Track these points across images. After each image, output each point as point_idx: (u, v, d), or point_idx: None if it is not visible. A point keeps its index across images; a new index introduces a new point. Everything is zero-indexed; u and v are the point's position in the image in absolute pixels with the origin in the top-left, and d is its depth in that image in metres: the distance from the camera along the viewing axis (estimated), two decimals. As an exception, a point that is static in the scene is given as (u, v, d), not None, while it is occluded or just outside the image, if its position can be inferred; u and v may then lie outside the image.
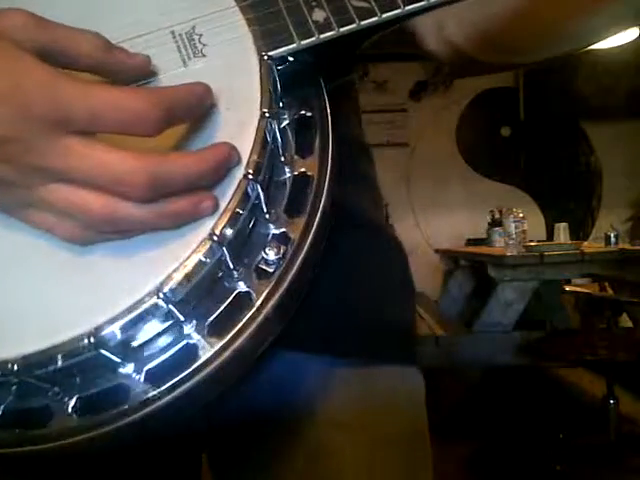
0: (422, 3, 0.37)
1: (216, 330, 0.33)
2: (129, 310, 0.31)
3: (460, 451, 2.44)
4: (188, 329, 0.33)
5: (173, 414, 0.34)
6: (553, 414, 2.61)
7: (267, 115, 0.34)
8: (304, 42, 0.36)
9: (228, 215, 0.32)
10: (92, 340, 0.30)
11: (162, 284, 0.31)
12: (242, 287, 0.34)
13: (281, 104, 0.37)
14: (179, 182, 0.31)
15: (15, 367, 0.30)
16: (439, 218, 4.83)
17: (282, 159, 0.36)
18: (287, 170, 0.36)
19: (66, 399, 0.33)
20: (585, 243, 3.40)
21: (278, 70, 0.36)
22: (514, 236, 2.94)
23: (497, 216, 3.69)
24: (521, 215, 3.00)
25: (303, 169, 0.36)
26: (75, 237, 0.32)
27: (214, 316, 0.33)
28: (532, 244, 3.02)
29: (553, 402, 2.81)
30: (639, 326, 2.81)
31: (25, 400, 0.33)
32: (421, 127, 4.90)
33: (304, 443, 0.47)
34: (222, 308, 0.34)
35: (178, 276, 0.31)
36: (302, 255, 0.35)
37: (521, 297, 2.81)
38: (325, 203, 0.36)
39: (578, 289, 2.79)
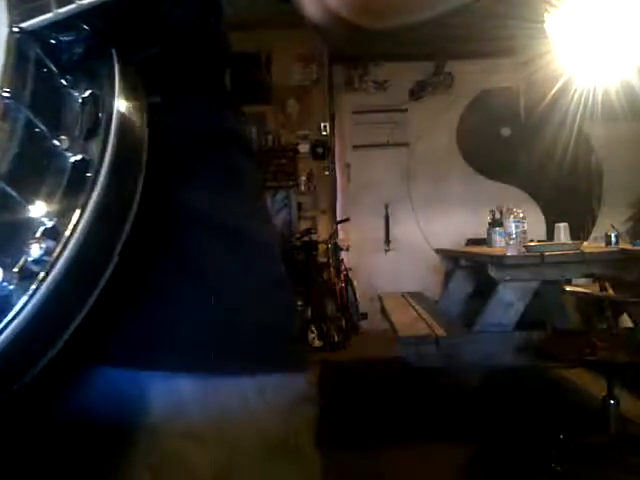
0: None
1: None
2: None
3: (460, 451, 2.44)
4: None
5: None
6: (553, 414, 2.61)
7: (5, 95, 0.30)
8: (61, 10, 0.32)
9: None
10: None
11: None
12: (2, 290, 0.31)
13: (64, 82, 0.34)
14: None
15: None
16: (439, 218, 4.83)
17: (57, 143, 0.33)
18: (67, 156, 0.33)
19: None
20: (585, 243, 3.40)
21: (58, 42, 0.33)
22: (514, 236, 2.94)
23: (497, 216, 3.69)
24: (521, 215, 3.00)
25: (83, 153, 0.33)
26: None
27: None
28: (532, 244, 3.02)
29: (553, 402, 2.81)
30: (639, 326, 2.81)
31: None
32: (421, 127, 4.90)
33: (146, 455, 0.44)
34: None
35: None
36: (72, 248, 0.31)
37: (521, 297, 2.81)
38: (107, 188, 0.33)
39: (578, 289, 2.79)
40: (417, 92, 4.89)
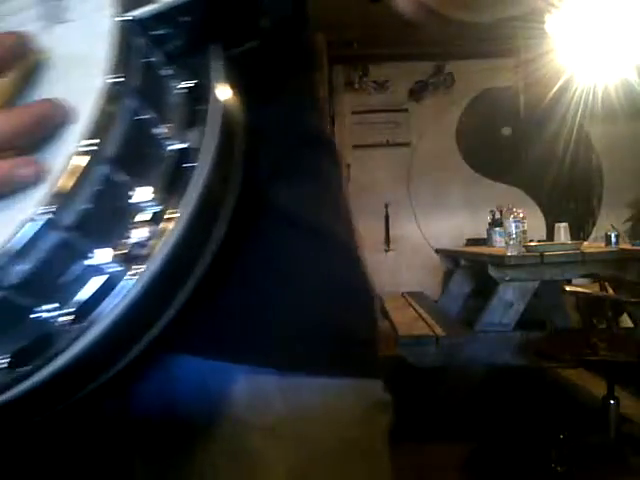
0: None
1: (80, 314, 0.31)
2: None
3: (460, 451, 2.44)
4: (49, 314, 0.31)
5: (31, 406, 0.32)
6: (553, 414, 2.61)
7: (117, 82, 0.31)
8: (168, 0, 0.32)
9: (63, 191, 0.29)
10: None
11: None
12: (107, 270, 0.31)
13: (166, 72, 0.34)
14: None
15: None
16: (439, 218, 4.83)
17: (160, 131, 0.33)
18: (170, 144, 0.33)
19: None
20: (585, 243, 3.40)
21: (160, 33, 0.34)
22: (514, 236, 2.94)
23: (497, 216, 3.69)
24: (521, 215, 3.00)
25: (187, 142, 0.33)
26: None
27: (78, 301, 0.31)
28: (532, 244, 3.02)
29: (553, 402, 2.81)
30: (639, 326, 2.81)
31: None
32: (421, 127, 4.90)
33: (225, 449, 0.45)
34: (88, 293, 0.31)
35: (10, 252, 0.28)
36: (177, 233, 0.32)
37: (521, 297, 2.81)
38: (209, 178, 0.33)
39: (578, 289, 2.79)
40: (417, 92, 4.89)
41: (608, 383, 2.30)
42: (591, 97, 3.75)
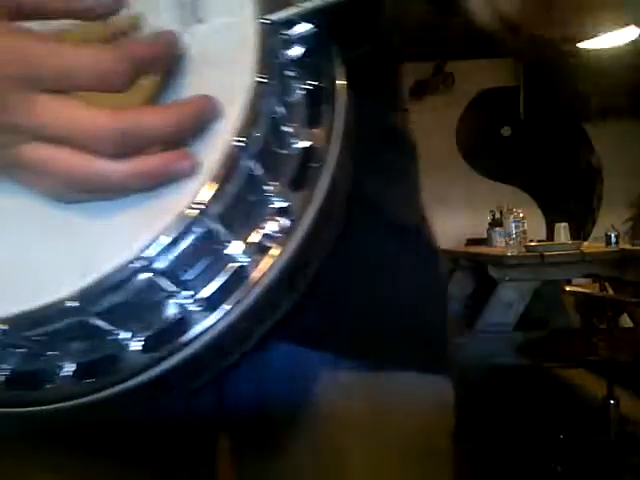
0: None
1: (212, 303, 0.33)
2: (110, 275, 0.30)
3: (460, 451, 2.44)
4: (182, 300, 0.33)
5: (166, 386, 0.35)
6: (553, 414, 2.60)
7: (261, 81, 0.32)
8: (305, 4, 0.35)
9: (214, 183, 0.31)
10: (77, 304, 0.30)
11: (144, 249, 0.30)
12: (241, 260, 0.33)
13: (290, 72, 0.36)
14: (152, 136, 0.31)
15: (3, 327, 0.31)
16: (439, 218, 4.79)
17: (286, 130, 0.35)
18: (293, 142, 0.35)
19: (61, 364, 0.33)
20: (585, 243, 3.40)
21: (285, 37, 0.36)
22: (514, 236, 2.94)
23: (497, 216, 3.69)
24: (521, 215, 3.00)
25: (310, 141, 0.35)
26: (56, 194, 0.32)
27: (211, 288, 0.33)
28: (532, 244, 3.02)
29: (553, 402, 2.80)
30: (639, 326, 2.81)
31: (26, 363, 0.34)
32: (421, 127, 4.88)
33: (309, 439, 0.47)
34: (220, 281, 0.33)
35: (160, 243, 0.30)
36: (304, 228, 0.33)
37: (521, 297, 2.81)
38: (333, 177, 0.35)
39: (578, 289, 2.79)
40: (417, 92, 4.89)
41: (608, 383, 2.30)
42: (591, 96, 3.75)
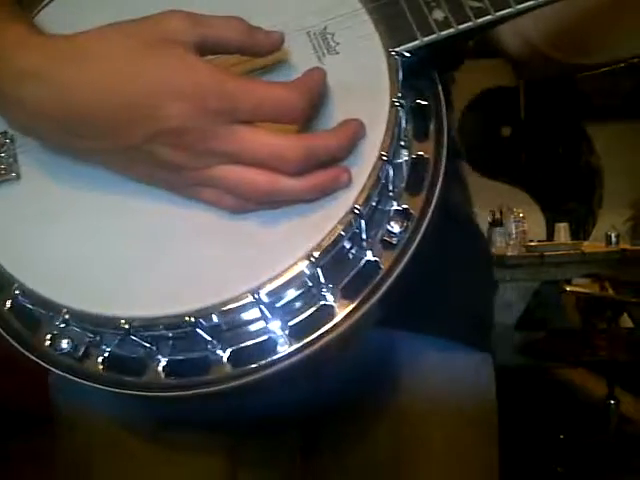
0: (532, 2, 0.41)
1: (347, 294, 0.38)
2: (284, 272, 0.36)
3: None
4: (325, 292, 0.38)
5: (304, 371, 0.41)
6: (553, 414, 2.60)
7: (396, 104, 0.38)
8: (426, 39, 0.40)
9: (366, 192, 0.37)
10: (255, 297, 0.36)
11: (312, 251, 0.36)
12: (370, 256, 0.39)
13: (400, 94, 0.41)
14: (325, 156, 0.37)
15: (191, 319, 0.36)
16: (439, 218, 4.83)
17: (402, 143, 0.41)
18: (404, 153, 0.41)
19: (221, 352, 0.39)
20: (586, 243, 3.39)
21: (405, 62, 0.41)
22: (514, 236, 2.94)
23: (497, 216, 3.68)
24: (521, 215, 3.00)
25: (420, 152, 0.41)
26: (236, 208, 0.38)
27: (346, 281, 0.38)
28: (532, 244, 3.02)
29: (553, 402, 2.80)
30: (640, 326, 2.81)
31: (188, 351, 0.39)
32: (421, 127, 4.89)
33: (389, 412, 0.52)
34: (352, 274, 0.38)
35: (325, 244, 0.36)
36: (422, 228, 0.39)
37: (521, 297, 2.80)
38: (441, 182, 0.40)
39: (579, 289, 2.79)
40: (417, 92, 4.89)
41: (608, 383, 2.30)
42: (592, 97, 3.75)
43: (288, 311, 0.38)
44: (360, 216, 0.37)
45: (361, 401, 0.53)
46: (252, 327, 0.39)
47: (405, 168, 0.41)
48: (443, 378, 0.53)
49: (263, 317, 0.38)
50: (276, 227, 0.38)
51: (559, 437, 2.30)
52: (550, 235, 3.89)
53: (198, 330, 0.37)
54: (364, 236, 0.38)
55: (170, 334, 0.38)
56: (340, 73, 0.40)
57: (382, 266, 0.38)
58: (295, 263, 0.36)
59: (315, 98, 0.38)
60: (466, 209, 0.62)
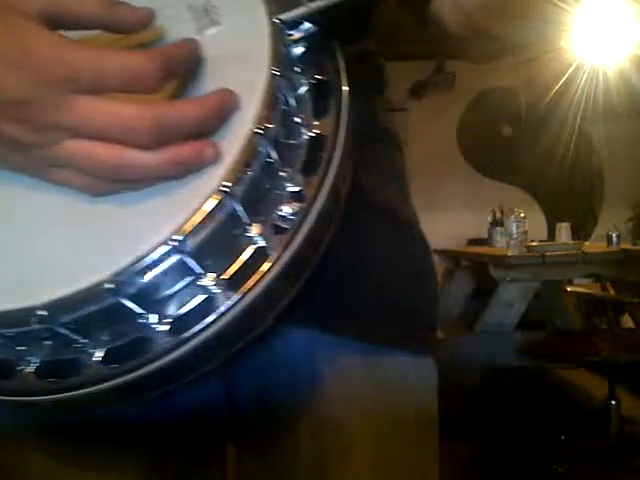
0: None
1: (233, 283, 0.35)
2: (141, 258, 0.32)
3: (461, 452, 2.43)
4: (206, 282, 0.35)
5: (192, 365, 0.36)
6: (554, 415, 2.60)
7: (276, 74, 0.35)
8: (313, 5, 0.38)
9: (236, 168, 0.34)
10: (112, 286, 0.32)
11: (173, 233, 0.32)
12: (259, 242, 0.35)
13: (297, 68, 0.39)
14: (182, 127, 0.33)
15: (44, 313, 0.33)
16: (440, 218, 4.82)
17: (298, 121, 0.38)
18: (303, 131, 0.38)
19: (92, 351, 0.35)
20: (587, 243, 3.39)
21: (291, 35, 0.39)
22: (515, 236, 2.93)
23: (498, 216, 3.68)
24: (522, 215, 2.99)
25: (318, 130, 0.38)
26: (90, 188, 0.35)
27: (231, 269, 0.35)
28: (533, 244, 3.01)
29: (554, 403, 2.80)
30: (641, 326, 2.80)
31: (59, 352, 0.36)
32: (422, 126, 4.89)
33: (311, 420, 0.49)
34: (239, 262, 0.35)
35: (188, 227, 0.33)
36: (316, 212, 0.36)
37: (522, 297, 2.80)
38: (340, 163, 0.38)
39: (580, 289, 2.79)
40: (417, 91, 4.88)
41: (609, 384, 2.29)
42: (592, 97, 3.75)
43: (166, 305, 0.35)
44: (231, 195, 0.33)
45: (282, 406, 0.50)
46: (128, 322, 0.35)
47: (301, 147, 0.38)
48: (369, 384, 0.50)
49: (133, 312, 0.34)
50: (137, 208, 0.35)
51: (560, 437, 2.30)
52: (551, 235, 3.88)
53: (57, 328, 0.34)
54: (246, 220, 0.35)
55: (16, 331, 0.34)
56: (220, 44, 0.37)
57: (271, 252, 0.35)
58: (155, 247, 0.32)
59: (174, 66, 0.34)
60: (399, 206, 0.55)
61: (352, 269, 0.49)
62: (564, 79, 3.57)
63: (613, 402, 2.25)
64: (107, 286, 0.32)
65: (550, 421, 2.52)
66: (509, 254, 2.85)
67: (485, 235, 3.87)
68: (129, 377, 0.34)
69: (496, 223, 3.68)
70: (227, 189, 0.33)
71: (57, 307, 0.33)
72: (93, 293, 0.32)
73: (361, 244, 0.50)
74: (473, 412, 2.74)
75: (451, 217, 4.77)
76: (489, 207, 3.87)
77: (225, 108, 0.35)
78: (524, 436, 2.45)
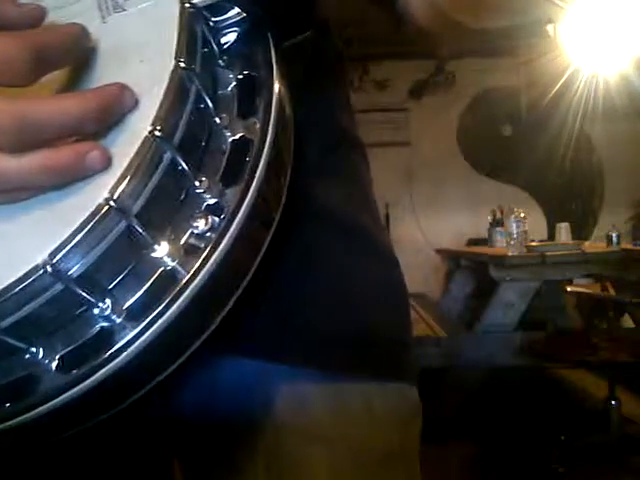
0: None
1: (136, 312, 0.29)
2: (13, 286, 0.27)
3: (461, 452, 2.43)
4: (101, 311, 0.29)
5: (89, 408, 0.31)
6: (555, 415, 2.60)
7: (182, 67, 0.30)
8: None
9: (129, 176, 0.28)
10: None
11: (52, 255, 0.27)
12: (167, 263, 0.30)
13: (221, 62, 0.34)
14: (55, 126, 0.28)
15: None
16: (440, 218, 4.82)
17: (218, 122, 0.33)
18: (227, 134, 0.33)
19: None
20: (587, 243, 3.39)
21: (216, 24, 0.34)
22: (515, 236, 2.93)
23: (498, 216, 3.68)
24: (522, 215, 2.99)
25: (243, 132, 0.33)
26: None
27: (134, 297, 0.30)
28: (533, 244, 3.01)
29: (555, 403, 2.80)
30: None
31: (8, 374, 0.30)
32: (422, 126, 4.89)
33: (266, 453, 0.44)
34: (144, 288, 0.30)
35: (69, 247, 0.27)
36: (237, 228, 0.30)
37: (522, 297, 2.80)
38: (268, 170, 0.32)
39: (580, 289, 2.78)
40: (418, 91, 4.88)
41: (610, 384, 2.29)
42: (592, 97, 3.74)
43: (55, 338, 0.30)
44: (123, 209, 0.27)
45: (232, 441, 0.45)
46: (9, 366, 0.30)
47: (221, 152, 0.33)
48: (328, 414, 0.45)
49: (16, 348, 0.29)
50: (10, 224, 0.29)
51: (560, 438, 2.30)
52: (551, 235, 3.89)
53: None
54: (149, 239, 0.29)
55: None
56: (122, 32, 0.32)
57: (181, 276, 0.29)
58: (31, 273, 0.27)
59: (49, 53, 0.29)
60: (358, 218, 0.50)
61: (300, 289, 0.44)
62: (564, 79, 3.57)
63: (613, 402, 2.25)
64: None
65: (550, 421, 2.52)
66: (509, 254, 2.85)
67: (485, 235, 3.87)
68: (14, 421, 0.29)
69: (496, 223, 3.68)
70: (116, 201, 0.27)
71: None
72: None
73: (312, 261, 0.45)
74: (473, 412, 2.74)
75: (451, 217, 4.77)
76: (489, 207, 3.87)
77: (114, 105, 0.29)
78: (524, 436, 2.44)
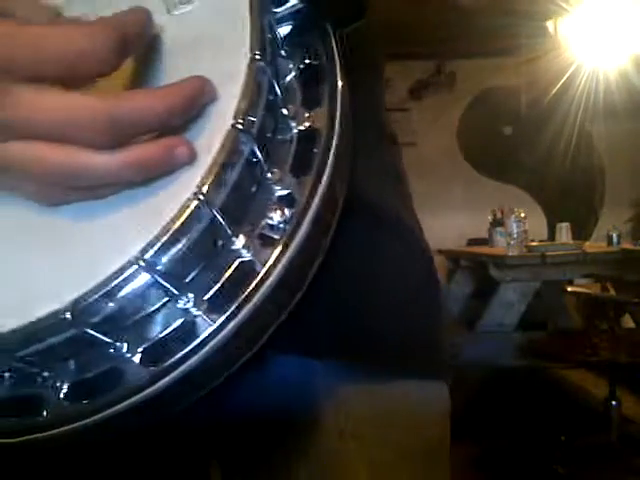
0: None
1: (217, 304, 0.30)
2: (106, 282, 0.27)
3: (461, 452, 2.43)
4: (184, 304, 0.30)
5: (172, 399, 0.31)
6: (555, 415, 2.59)
7: (258, 59, 0.30)
8: None
9: (215, 170, 0.28)
10: (71, 315, 0.27)
11: (142, 250, 0.27)
12: (245, 255, 0.30)
13: (282, 52, 0.34)
14: (144, 122, 0.28)
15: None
16: (440, 218, 4.82)
17: (285, 113, 0.33)
18: (292, 125, 0.33)
19: (58, 384, 0.30)
20: (587, 243, 3.39)
21: (277, 15, 0.34)
22: (515, 236, 2.93)
23: (498, 216, 3.68)
24: (523, 215, 2.99)
25: (309, 123, 0.33)
26: (40, 196, 0.29)
27: (214, 289, 0.30)
28: (534, 244, 3.01)
29: (555, 403, 2.79)
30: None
31: (18, 388, 0.31)
32: (422, 126, 4.89)
33: (306, 453, 0.44)
34: (222, 280, 0.30)
35: (160, 242, 0.27)
36: (310, 219, 0.31)
37: (522, 297, 2.80)
38: (336, 160, 0.32)
39: (580, 289, 2.78)
40: (418, 91, 4.88)
41: (610, 384, 2.29)
42: (593, 96, 3.74)
43: (139, 332, 0.30)
44: (210, 202, 0.28)
45: (275, 440, 0.45)
46: (96, 353, 0.30)
47: (291, 143, 0.33)
48: (370, 414, 0.45)
49: (100, 341, 0.30)
50: (99, 220, 0.29)
51: (560, 438, 2.30)
52: (551, 235, 3.88)
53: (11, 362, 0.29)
54: (229, 231, 0.30)
55: None
56: (193, 25, 0.32)
57: (259, 267, 0.30)
58: (122, 268, 0.27)
59: (130, 39, 0.28)
60: (401, 214, 0.50)
61: (349, 287, 0.45)
62: (565, 78, 3.57)
63: (614, 402, 2.25)
64: (65, 316, 0.27)
65: (550, 421, 2.52)
66: (509, 254, 2.85)
67: (485, 235, 3.87)
68: (97, 417, 0.29)
69: (496, 223, 3.68)
70: (204, 195, 0.28)
71: (8, 339, 0.28)
72: (50, 325, 0.27)
73: (366, 262, 0.45)
74: (473, 412, 2.74)
75: (451, 217, 4.77)
76: (489, 207, 3.87)
77: (198, 99, 0.29)
78: (524, 436, 2.44)
